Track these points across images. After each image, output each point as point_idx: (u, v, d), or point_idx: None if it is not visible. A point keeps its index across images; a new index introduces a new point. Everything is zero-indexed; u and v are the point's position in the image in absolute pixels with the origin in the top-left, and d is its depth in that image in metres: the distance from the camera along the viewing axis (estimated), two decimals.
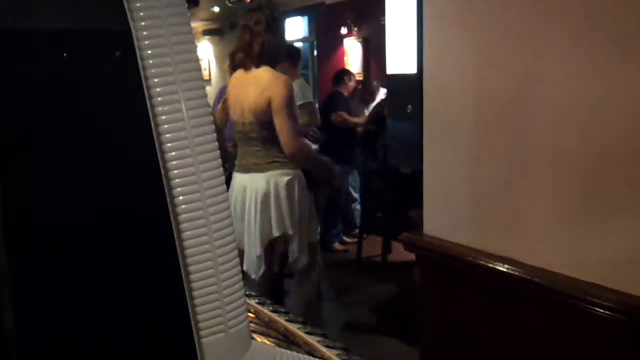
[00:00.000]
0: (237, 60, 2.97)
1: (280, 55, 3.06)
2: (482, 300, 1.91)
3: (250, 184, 2.91)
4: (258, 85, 2.85)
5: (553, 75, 1.63)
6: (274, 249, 3.02)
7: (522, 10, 1.70)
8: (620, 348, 1.52)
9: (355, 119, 5.83)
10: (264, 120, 2.84)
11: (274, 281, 3.14)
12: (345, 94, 6.09)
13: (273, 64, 2.93)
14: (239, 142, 3.01)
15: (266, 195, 2.88)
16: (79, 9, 0.76)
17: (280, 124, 2.80)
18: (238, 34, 2.98)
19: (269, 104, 2.80)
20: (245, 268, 2.91)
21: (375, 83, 6.29)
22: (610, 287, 1.52)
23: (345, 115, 5.79)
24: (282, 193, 2.89)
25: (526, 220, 1.75)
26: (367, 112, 5.91)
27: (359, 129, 5.65)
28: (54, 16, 0.74)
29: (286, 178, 2.91)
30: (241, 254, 2.90)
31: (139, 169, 0.81)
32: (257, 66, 2.89)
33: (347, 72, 6.46)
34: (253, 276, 2.93)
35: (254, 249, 2.91)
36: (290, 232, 2.94)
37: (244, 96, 2.90)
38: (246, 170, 2.94)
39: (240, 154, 3.02)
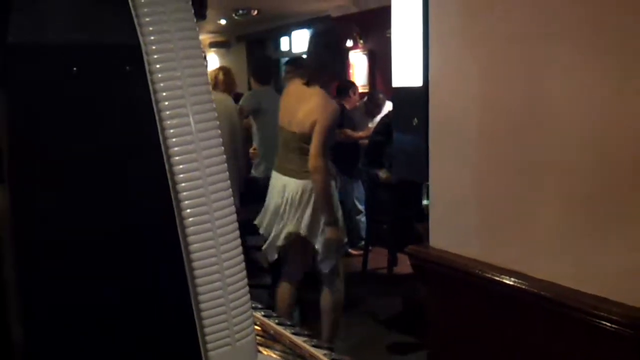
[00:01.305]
0: (307, 73, 3.31)
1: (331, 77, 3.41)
2: (489, 313, 1.90)
3: (288, 186, 3.24)
4: (308, 104, 3.17)
5: (559, 87, 1.63)
6: (306, 248, 3.32)
7: (528, 23, 1.70)
8: None
9: (360, 134, 5.82)
10: (305, 135, 3.17)
11: (304, 275, 3.53)
12: (348, 107, 6.04)
13: (324, 86, 3.29)
14: (281, 145, 3.36)
15: (300, 199, 3.19)
16: (89, 24, 0.77)
17: (315, 143, 3.14)
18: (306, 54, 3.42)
19: (313, 125, 3.13)
20: (263, 248, 3.37)
21: (381, 96, 6.29)
22: (617, 300, 1.51)
23: (349, 132, 5.77)
24: (312, 199, 3.18)
25: (533, 233, 1.75)
26: (371, 125, 5.91)
27: (362, 142, 5.64)
28: (65, 31, 0.75)
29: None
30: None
31: (147, 181, 0.82)
32: (309, 85, 3.24)
33: (352, 85, 6.40)
34: (268, 257, 3.38)
35: (278, 238, 3.28)
36: (312, 234, 3.21)
37: (294, 109, 3.23)
38: (284, 172, 3.29)
39: (280, 156, 3.38)
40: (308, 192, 3.19)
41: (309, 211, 3.19)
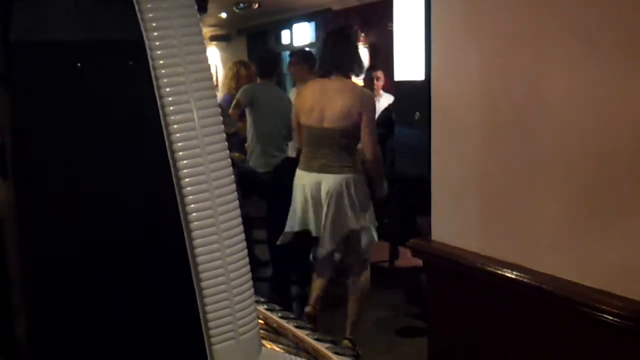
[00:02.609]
0: (323, 67, 3.33)
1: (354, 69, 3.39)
2: (490, 306, 1.90)
3: (324, 183, 3.20)
4: (343, 94, 3.15)
5: (561, 82, 1.63)
6: (349, 240, 3.33)
7: (530, 18, 1.70)
8: (629, 355, 1.52)
9: None
10: (346, 129, 3.14)
11: (335, 267, 3.56)
12: None
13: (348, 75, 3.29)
14: (308, 143, 3.30)
15: (340, 195, 3.18)
16: (93, 20, 0.77)
17: (368, 135, 3.17)
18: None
19: (359, 116, 3.12)
20: (318, 254, 3.33)
21: (374, 73, 6.21)
22: (618, 294, 1.52)
23: None
24: (354, 192, 3.20)
25: (535, 227, 1.75)
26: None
27: None
28: (69, 28, 0.75)
29: (356, 180, 3.22)
30: (307, 236, 3.34)
31: (151, 176, 0.82)
32: (337, 75, 3.22)
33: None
34: (320, 257, 3.35)
35: (327, 243, 3.24)
36: (365, 224, 3.27)
37: (325, 105, 3.18)
38: (315, 170, 3.24)
39: (307, 153, 3.30)
40: (346, 187, 3.17)
41: (351, 205, 3.19)
